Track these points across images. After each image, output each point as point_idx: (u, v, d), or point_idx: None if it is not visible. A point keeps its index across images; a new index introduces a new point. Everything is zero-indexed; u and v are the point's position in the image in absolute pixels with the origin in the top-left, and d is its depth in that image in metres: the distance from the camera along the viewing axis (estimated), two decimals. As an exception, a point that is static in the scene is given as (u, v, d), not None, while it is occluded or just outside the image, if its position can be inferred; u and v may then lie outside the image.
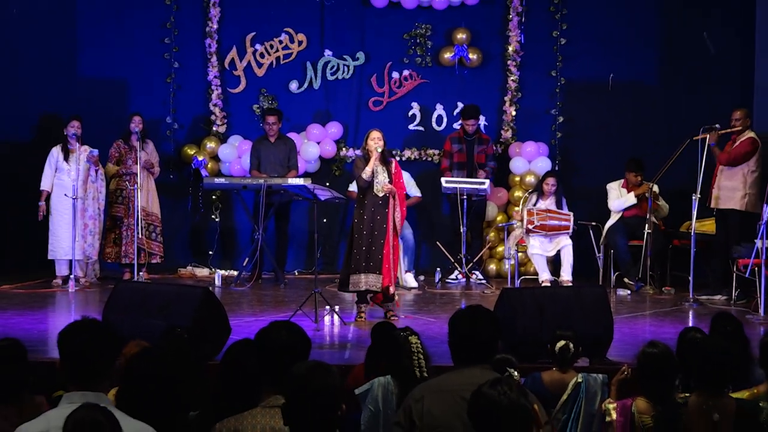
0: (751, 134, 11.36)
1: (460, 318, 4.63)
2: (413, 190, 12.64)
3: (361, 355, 7.30)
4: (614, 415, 5.35)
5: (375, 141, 9.81)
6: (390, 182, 9.78)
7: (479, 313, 4.64)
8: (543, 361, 7.44)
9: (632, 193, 12.26)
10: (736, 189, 11.33)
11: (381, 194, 9.75)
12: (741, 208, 11.32)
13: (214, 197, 13.41)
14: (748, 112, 11.55)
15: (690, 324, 10.02)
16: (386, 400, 5.44)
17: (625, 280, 12.12)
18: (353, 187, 11.15)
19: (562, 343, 6.38)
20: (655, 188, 12.17)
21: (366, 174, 9.69)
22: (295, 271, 13.27)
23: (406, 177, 11.71)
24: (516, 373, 5.44)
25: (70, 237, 11.67)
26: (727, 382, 4.84)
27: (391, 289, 9.82)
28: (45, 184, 11.86)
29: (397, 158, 12.56)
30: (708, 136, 11.28)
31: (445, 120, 13.55)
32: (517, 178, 13.24)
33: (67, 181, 11.77)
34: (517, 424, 3.57)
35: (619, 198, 12.34)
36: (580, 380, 6.11)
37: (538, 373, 6.36)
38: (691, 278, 10.99)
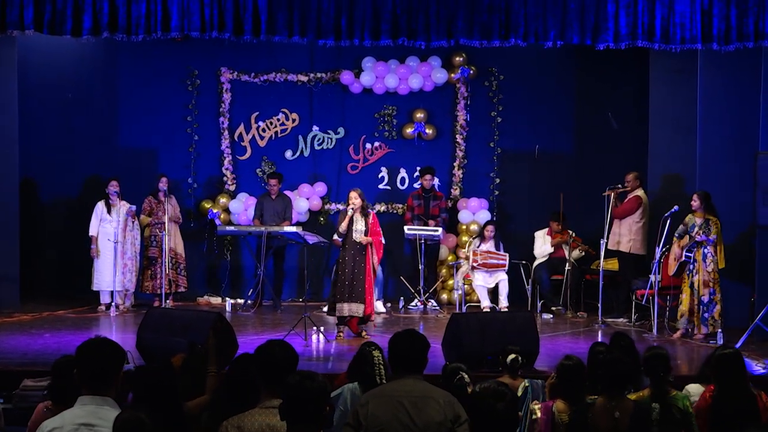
0: (638, 192, 11.55)
1: (396, 339, 4.58)
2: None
3: (340, 365, 7.32)
4: (539, 414, 5.35)
5: (351, 200, 9.98)
6: (367, 231, 9.89)
7: (411, 335, 4.60)
8: (484, 370, 7.49)
9: (548, 244, 12.40)
10: (624, 235, 11.51)
11: (359, 241, 9.86)
12: (627, 250, 11.53)
13: (225, 241, 13.34)
14: (638, 174, 11.69)
15: (599, 340, 10.10)
16: (353, 402, 5.41)
17: (549, 306, 12.19)
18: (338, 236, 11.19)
19: (512, 356, 6.41)
20: (574, 234, 12.30)
21: (342, 227, 9.95)
22: (289, 299, 13.18)
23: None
24: (467, 376, 5.46)
25: (111, 273, 11.62)
26: (625, 387, 4.88)
27: (372, 316, 10.14)
28: (92, 231, 11.79)
29: (374, 211, 12.59)
30: (612, 193, 11.46)
31: (407, 181, 13.56)
32: (464, 226, 13.26)
33: (110, 228, 11.73)
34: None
35: (541, 247, 12.49)
36: (527, 384, 6.10)
37: (494, 380, 6.36)
38: (599, 305, 11.06)
